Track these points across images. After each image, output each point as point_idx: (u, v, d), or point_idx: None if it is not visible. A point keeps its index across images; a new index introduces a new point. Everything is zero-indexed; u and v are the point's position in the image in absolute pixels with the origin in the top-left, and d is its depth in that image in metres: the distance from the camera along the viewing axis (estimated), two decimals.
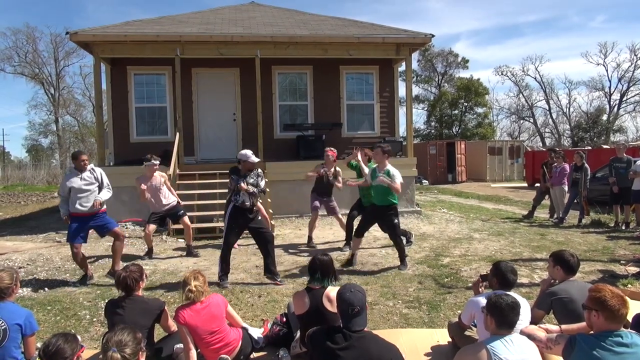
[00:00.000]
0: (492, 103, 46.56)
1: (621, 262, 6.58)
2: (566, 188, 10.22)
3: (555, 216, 10.46)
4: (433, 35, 11.54)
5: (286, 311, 4.23)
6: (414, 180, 11.83)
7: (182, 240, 8.57)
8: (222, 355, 3.45)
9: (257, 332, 3.91)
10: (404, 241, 6.96)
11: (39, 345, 3.36)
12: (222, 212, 9.38)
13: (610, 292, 2.59)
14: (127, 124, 11.90)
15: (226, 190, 9.21)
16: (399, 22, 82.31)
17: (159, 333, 3.85)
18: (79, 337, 2.95)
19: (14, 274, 3.52)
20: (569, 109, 47.14)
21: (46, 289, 5.79)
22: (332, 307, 3.37)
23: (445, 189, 19.96)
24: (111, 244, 6.31)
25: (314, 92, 12.61)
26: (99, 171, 6.11)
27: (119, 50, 10.59)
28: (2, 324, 3.21)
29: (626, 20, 69.33)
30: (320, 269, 3.65)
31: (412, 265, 6.56)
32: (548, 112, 47.27)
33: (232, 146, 12.26)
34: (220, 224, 9.23)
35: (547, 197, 11.06)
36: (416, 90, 44.44)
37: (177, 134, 10.43)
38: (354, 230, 6.75)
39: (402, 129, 14.34)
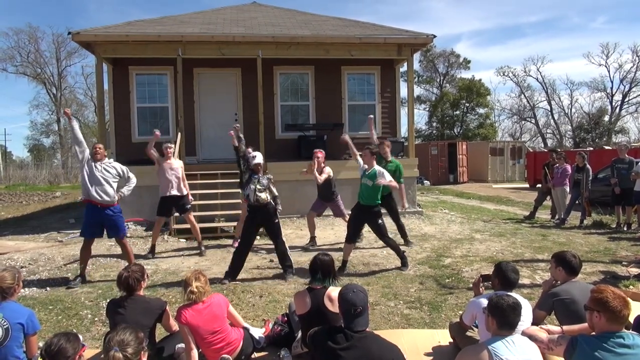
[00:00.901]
0: (494, 104, 46.54)
1: (623, 263, 6.57)
2: (568, 189, 10.21)
3: (557, 217, 10.44)
4: (435, 36, 11.54)
5: (287, 311, 4.24)
6: (415, 180, 11.83)
7: (184, 240, 8.60)
8: (224, 355, 3.46)
9: (258, 332, 3.92)
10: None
11: (40, 344, 3.37)
12: (224, 212, 9.43)
13: (612, 293, 2.59)
14: (129, 124, 11.91)
15: (227, 190, 9.28)
16: (400, 22, 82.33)
17: (160, 333, 3.85)
18: (80, 336, 2.96)
19: (16, 274, 3.53)
20: (571, 110, 47.10)
21: (48, 288, 5.80)
22: (333, 307, 3.37)
23: (447, 189, 19.94)
24: (113, 244, 6.32)
25: (315, 93, 12.62)
26: (118, 167, 6.14)
27: (121, 50, 10.60)
28: (4, 323, 3.22)
29: (627, 21, 69.30)
30: (321, 269, 3.66)
31: (413, 266, 6.56)
32: (550, 113, 47.23)
33: None
34: (222, 224, 9.26)
35: (548, 198, 11.05)
36: (418, 90, 44.49)
37: (179, 134, 10.44)
38: (346, 236, 6.54)
39: (403, 130, 14.37)
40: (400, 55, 11.73)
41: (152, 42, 10.45)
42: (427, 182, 23.18)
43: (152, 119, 12.14)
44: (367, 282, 5.75)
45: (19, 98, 62.35)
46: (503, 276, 3.39)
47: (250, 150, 6.86)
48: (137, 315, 3.44)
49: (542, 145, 45.15)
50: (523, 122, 49.62)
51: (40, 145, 48.51)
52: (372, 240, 8.30)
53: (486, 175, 24.83)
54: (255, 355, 3.78)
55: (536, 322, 3.38)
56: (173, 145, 7.67)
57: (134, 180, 6.28)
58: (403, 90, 20.84)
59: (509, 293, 3.01)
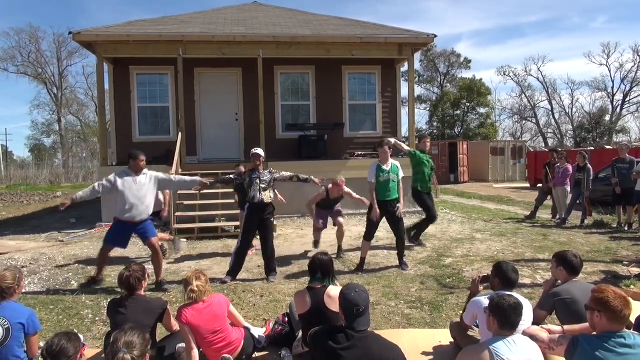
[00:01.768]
0: (495, 103, 46.52)
1: (624, 263, 6.56)
2: (569, 189, 10.19)
3: (558, 217, 10.43)
4: (435, 36, 11.54)
5: (288, 311, 4.24)
6: None
7: (184, 240, 8.59)
8: (224, 355, 3.46)
9: (259, 332, 3.91)
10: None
11: (41, 344, 3.38)
12: (224, 212, 9.43)
13: (613, 293, 2.59)
14: (130, 123, 11.93)
15: (228, 190, 9.27)
16: (400, 22, 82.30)
17: (161, 332, 3.85)
18: (81, 336, 2.96)
19: (17, 274, 3.53)
20: (572, 110, 47.06)
21: (49, 288, 5.80)
22: (333, 306, 3.37)
23: (448, 189, 19.93)
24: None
25: (316, 92, 12.62)
26: (161, 177, 5.84)
27: (122, 50, 10.61)
28: (5, 323, 3.22)
29: (628, 21, 69.21)
30: (320, 268, 3.66)
31: (414, 266, 6.55)
32: (550, 113, 47.20)
33: (235, 146, 12.29)
34: (222, 224, 9.26)
35: (549, 197, 11.04)
36: (418, 90, 44.47)
37: (180, 133, 10.44)
38: (364, 233, 6.50)
39: (404, 129, 14.37)
40: (401, 55, 11.73)
41: (153, 42, 10.46)
42: None
43: (153, 118, 12.17)
44: (368, 282, 5.74)
45: (20, 98, 62.70)
46: (503, 276, 3.38)
47: (241, 168, 6.96)
48: (138, 315, 3.44)
49: (543, 145, 45.11)
50: (524, 121, 49.62)
51: (41, 145, 48.63)
52: (373, 240, 8.31)
53: (487, 175, 24.82)
54: (256, 355, 3.78)
55: (537, 322, 3.38)
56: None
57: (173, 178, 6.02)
58: (404, 90, 20.92)
59: (510, 293, 3.00)
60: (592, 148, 24.81)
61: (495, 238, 8.44)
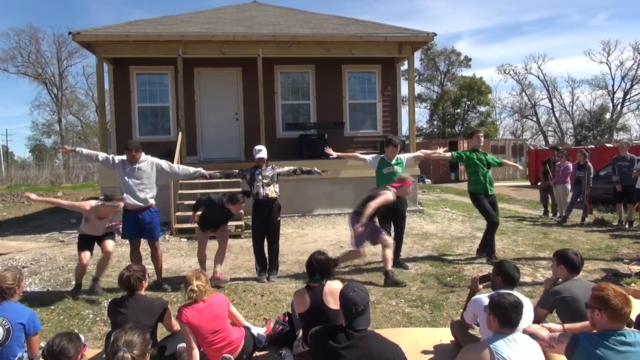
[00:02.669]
0: (495, 101, 46.48)
1: (624, 260, 6.56)
2: (569, 187, 10.19)
3: (558, 215, 10.43)
4: (435, 34, 11.52)
5: (289, 310, 4.24)
6: (416, 179, 11.82)
7: (185, 240, 8.60)
8: (225, 355, 3.46)
9: (259, 332, 3.91)
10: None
11: (42, 344, 3.38)
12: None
13: (614, 291, 2.59)
14: (130, 123, 11.92)
15: (228, 190, 9.27)
16: (399, 21, 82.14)
17: (161, 332, 3.86)
18: (82, 336, 2.96)
19: (17, 274, 3.53)
20: (572, 108, 47.05)
21: (49, 288, 5.80)
22: (333, 304, 3.36)
23: (448, 187, 19.93)
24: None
25: (316, 91, 12.61)
26: (163, 164, 5.75)
27: (122, 50, 10.61)
28: (6, 324, 3.23)
29: (628, 19, 69.13)
30: (318, 269, 3.64)
31: (414, 265, 6.55)
32: (551, 111, 47.21)
33: (235, 146, 12.29)
34: None
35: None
36: (418, 89, 44.45)
37: (180, 133, 10.45)
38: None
39: (404, 128, 14.37)
40: (401, 54, 11.72)
41: (152, 41, 10.46)
42: (428, 181, 23.17)
43: (153, 118, 12.17)
44: (369, 281, 5.74)
45: (20, 98, 62.83)
46: (506, 273, 3.39)
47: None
48: (138, 314, 3.44)
49: (544, 143, 45.07)
50: (524, 120, 49.61)
51: (41, 146, 48.67)
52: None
53: None
54: (257, 354, 3.78)
55: (538, 320, 3.37)
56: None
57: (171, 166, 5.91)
58: (404, 89, 20.92)
59: (510, 291, 3.00)
60: (593, 146, 24.79)
61: (495, 236, 8.40)
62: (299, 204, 10.56)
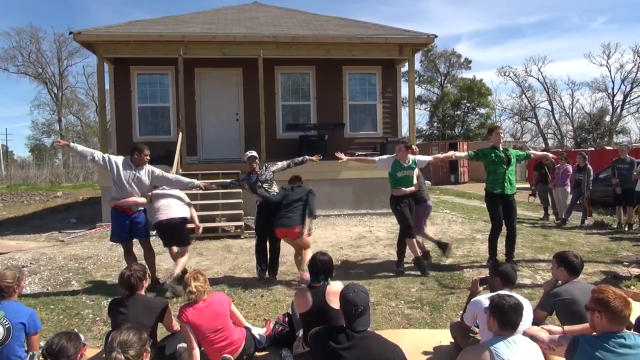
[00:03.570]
0: (495, 104, 46.48)
1: (624, 263, 6.56)
2: (569, 189, 10.20)
3: (558, 217, 10.44)
4: (436, 36, 11.54)
5: (289, 311, 4.24)
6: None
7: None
8: (225, 355, 3.46)
9: (259, 332, 3.92)
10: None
11: (42, 344, 3.38)
12: (224, 212, 9.44)
13: (613, 294, 2.59)
14: (130, 123, 11.93)
15: (228, 190, 9.25)
16: (400, 23, 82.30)
17: (162, 332, 3.86)
18: (81, 335, 2.96)
19: (16, 274, 3.53)
20: (572, 110, 47.04)
21: (49, 288, 5.80)
22: (335, 304, 3.36)
23: (448, 189, 19.93)
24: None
25: (316, 92, 12.62)
26: (157, 173, 5.64)
27: (122, 50, 10.62)
28: (6, 323, 3.23)
29: (627, 22, 69.24)
30: (323, 270, 3.64)
31: (414, 265, 6.55)
32: (551, 113, 47.18)
33: (235, 146, 12.29)
34: (222, 224, 9.26)
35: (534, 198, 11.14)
36: (419, 90, 44.41)
37: (180, 133, 10.45)
38: (400, 232, 6.27)
39: (404, 130, 14.36)
40: (401, 55, 11.74)
41: (153, 41, 10.47)
42: (428, 182, 23.07)
43: (153, 118, 12.18)
44: (369, 282, 5.74)
45: (20, 98, 62.89)
46: (503, 274, 3.41)
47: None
48: (138, 314, 3.44)
49: (543, 146, 45.08)
50: (524, 122, 49.61)
51: (41, 145, 48.67)
52: (373, 240, 8.32)
53: None
54: (257, 355, 3.78)
55: (537, 322, 3.38)
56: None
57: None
58: (404, 90, 20.86)
59: (510, 293, 3.01)
60: (592, 148, 24.80)
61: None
62: None
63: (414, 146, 7.03)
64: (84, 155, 5.52)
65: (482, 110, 42.86)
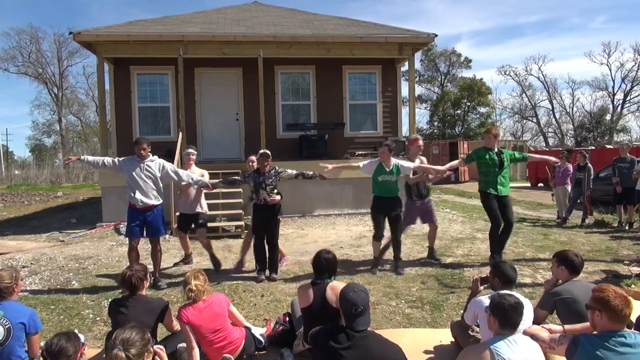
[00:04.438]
0: (495, 103, 46.51)
1: (625, 262, 6.56)
2: (569, 188, 10.20)
3: (558, 216, 10.43)
4: (436, 35, 11.53)
5: (289, 311, 4.24)
6: None
7: None
8: (225, 355, 3.46)
9: (259, 332, 3.92)
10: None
11: (42, 344, 3.38)
12: (225, 212, 9.43)
13: (614, 292, 2.59)
14: (130, 123, 11.93)
15: (228, 190, 9.27)
16: (399, 22, 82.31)
17: (162, 332, 3.86)
18: (81, 335, 2.96)
19: (13, 273, 3.53)
20: (572, 109, 47.07)
21: (49, 288, 5.81)
22: (334, 301, 3.36)
23: (448, 188, 19.92)
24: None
25: (316, 92, 12.61)
26: (169, 167, 5.77)
27: (122, 50, 10.61)
28: (6, 323, 3.23)
29: (627, 21, 69.21)
30: (327, 268, 3.66)
31: (414, 265, 6.55)
32: (551, 112, 47.22)
33: (235, 146, 12.29)
34: (223, 224, 9.26)
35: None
36: (419, 90, 44.43)
37: (180, 133, 10.44)
38: (373, 234, 6.36)
39: (404, 129, 14.35)
40: (401, 55, 11.73)
41: (153, 41, 10.47)
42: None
43: (154, 118, 12.18)
44: (369, 282, 5.74)
45: (20, 98, 62.82)
46: (503, 274, 3.41)
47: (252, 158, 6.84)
48: (139, 314, 3.44)
49: (544, 145, 45.09)
50: (524, 121, 49.62)
51: (41, 145, 48.66)
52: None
53: None
54: (257, 354, 3.78)
55: (538, 321, 3.38)
56: (196, 152, 6.96)
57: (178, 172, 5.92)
58: (404, 90, 20.91)
59: (510, 292, 3.00)
60: (593, 147, 24.79)
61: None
62: (299, 204, 10.55)
63: (419, 142, 7.06)
64: (95, 164, 5.71)
65: (483, 110, 42.87)
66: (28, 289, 5.69)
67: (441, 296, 5.19)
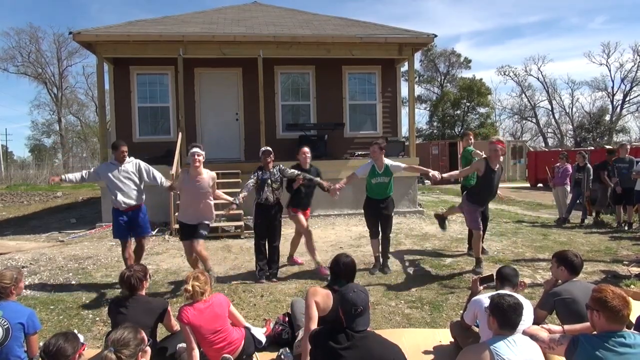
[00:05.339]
0: (495, 103, 46.52)
1: (624, 262, 6.56)
2: (568, 188, 10.20)
3: (558, 216, 10.44)
4: (436, 35, 11.53)
5: (288, 311, 4.23)
6: (416, 180, 11.82)
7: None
8: (225, 355, 3.46)
9: (259, 332, 3.92)
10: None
11: (41, 344, 3.37)
12: (224, 212, 9.41)
13: (612, 293, 2.59)
14: (130, 123, 11.92)
15: (228, 190, 9.25)
16: (399, 22, 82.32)
17: (162, 332, 3.85)
18: (81, 335, 2.96)
19: (14, 274, 3.52)
20: (572, 109, 47.06)
21: (49, 288, 5.80)
22: None
23: (448, 189, 19.91)
24: (113, 244, 6.24)
25: (316, 92, 12.62)
26: (143, 165, 5.79)
27: (122, 50, 10.61)
28: (5, 323, 3.22)
29: (626, 22, 69.16)
30: (345, 273, 3.63)
31: (414, 265, 6.55)
32: (551, 112, 47.21)
33: (235, 146, 12.29)
34: (222, 224, 9.25)
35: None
36: (418, 90, 44.43)
37: (180, 133, 10.43)
38: (370, 234, 6.41)
39: (404, 129, 14.36)
40: (401, 55, 11.73)
41: (153, 41, 10.46)
42: (427, 182, 23.14)
43: (153, 118, 12.17)
44: (368, 282, 5.75)
45: (20, 98, 62.73)
46: (506, 279, 3.43)
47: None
48: (138, 314, 3.44)
49: (543, 145, 45.09)
50: (524, 121, 49.62)
51: (41, 145, 48.59)
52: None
53: None
54: (257, 354, 3.78)
55: (537, 321, 3.38)
56: (202, 151, 5.89)
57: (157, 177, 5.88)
58: (404, 90, 20.84)
59: (510, 293, 3.01)
60: (592, 148, 24.80)
61: (495, 238, 8.43)
62: None
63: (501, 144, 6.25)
64: (77, 180, 5.74)
65: (482, 110, 42.92)
66: (27, 289, 5.68)
67: (440, 296, 5.19)
